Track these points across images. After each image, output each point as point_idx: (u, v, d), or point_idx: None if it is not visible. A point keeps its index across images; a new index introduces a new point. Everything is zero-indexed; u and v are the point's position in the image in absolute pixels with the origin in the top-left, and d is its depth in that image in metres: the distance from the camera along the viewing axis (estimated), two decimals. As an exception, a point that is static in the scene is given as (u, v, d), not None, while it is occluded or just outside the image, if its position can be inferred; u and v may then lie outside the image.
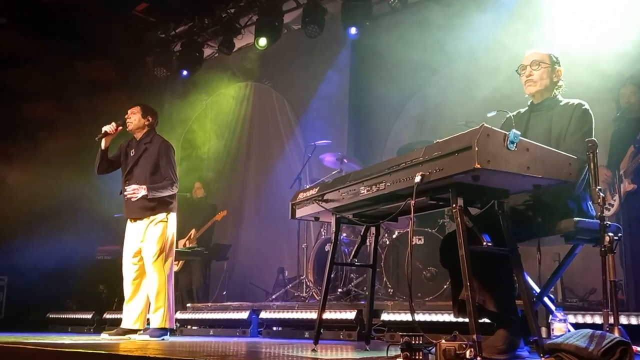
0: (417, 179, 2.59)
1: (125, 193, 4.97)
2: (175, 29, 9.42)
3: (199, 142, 9.68)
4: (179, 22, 9.36)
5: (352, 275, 6.30)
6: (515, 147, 2.48)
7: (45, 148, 8.75)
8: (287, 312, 5.46)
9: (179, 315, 6.29)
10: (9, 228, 8.23)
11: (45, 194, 7.93)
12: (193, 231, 7.60)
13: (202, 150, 9.62)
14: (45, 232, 8.01)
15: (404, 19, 7.63)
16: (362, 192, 3.00)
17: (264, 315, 5.66)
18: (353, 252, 3.68)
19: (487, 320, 3.16)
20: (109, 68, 9.47)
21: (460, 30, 6.59)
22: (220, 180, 9.65)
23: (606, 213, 2.77)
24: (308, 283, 6.64)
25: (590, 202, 3.11)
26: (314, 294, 6.49)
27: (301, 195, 3.63)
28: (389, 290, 5.85)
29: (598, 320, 3.65)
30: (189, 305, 6.75)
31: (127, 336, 4.95)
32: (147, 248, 5.01)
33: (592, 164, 2.77)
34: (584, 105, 3.20)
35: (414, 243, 5.73)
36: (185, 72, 9.49)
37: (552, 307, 3.23)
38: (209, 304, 6.68)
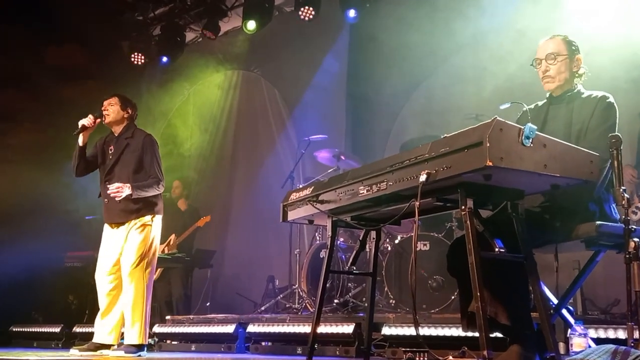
0: (422, 178, 2.59)
1: (109, 192, 4.88)
2: (154, 10, 9.41)
3: (180, 137, 9.68)
4: (158, 3, 9.35)
5: (350, 284, 6.30)
6: (531, 142, 2.48)
7: (5, 143, 8.71)
8: (278, 325, 5.46)
9: (157, 329, 6.28)
10: (-37, 232, 8.21)
11: (5, 194, 7.91)
12: (173, 236, 7.59)
13: (184, 147, 9.61)
14: (6, 237, 7.97)
15: (408, 0, 7.64)
16: (361, 192, 3.00)
17: (251, 328, 5.66)
18: (351, 259, 3.68)
19: (499, 335, 3.16)
20: (79, 53, 9.44)
21: (470, 12, 6.60)
22: (203, 180, 9.64)
23: (632, 217, 2.79)
24: (301, 293, 6.64)
25: (613, 205, 3.12)
26: (307, 305, 6.49)
27: (293, 196, 3.63)
28: (391, 301, 5.85)
29: (622, 334, 3.66)
30: (168, 317, 6.73)
31: (99, 352, 4.94)
32: (126, 254, 4.96)
33: (615, 162, 2.78)
34: (608, 98, 3.21)
35: (418, 249, 5.74)
36: (165, 59, 9.48)
37: (571, 320, 3.24)
38: (191, 317, 6.66)
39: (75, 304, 8.03)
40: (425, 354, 4.45)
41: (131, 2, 9.43)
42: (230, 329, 5.76)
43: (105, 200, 5.10)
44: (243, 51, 9.36)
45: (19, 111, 9.20)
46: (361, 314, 5.65)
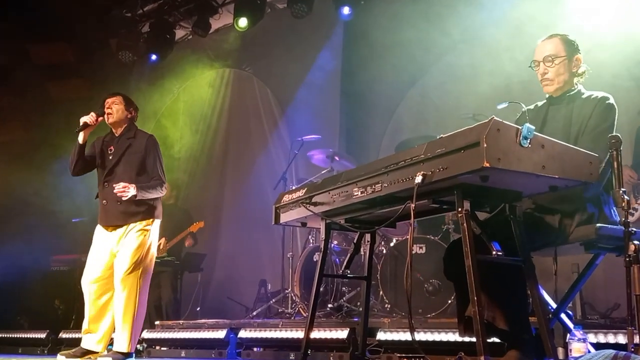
0: (418, 179, 2.59)
1: (115, 191, 4.83)
2: (143, 7, 9.38)
3: (171, 139, 9.65)
4: (147, -1, 9.34)
5: (344, 288, 6.30)
6: (529, 143, 2.49)
7: (-9, 142, 8.71)
8: (270, 330, 5.45)
9: (146, 335, 6.25)
10: (-54, 234, 8.18)
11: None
12: (163, 240, 7.55)
13: (174, 150, 9.58)
14: (-10, 239, 7.96)
15: (404, -3, 7.65)
16: (356, 194, 3.00)
17: (243, 334, 5.64)
18: (345, 263, 3.68)
19: (496, 340, 3.17)
20: (66, 51, 9.42)
21: (466, 9, 6.61)
22: (193, 182, 9.62)
23: (629, 218, 2.79)
24: (294, 297, 6.64)
25: (613, 207, 3.13)
26: (300, 309, 6.49)
27: (286, 198, 3.63)
28: (386, 305, 5.85)
29: (622, 339, 3.67)
30: (157, 323, 6.72)
31: (86, 357, 4.91)
32: (121, 259, 4.91)
33: (615, 163, 2.79)
34: (608, 99, 3.22)
35: (414, 252, 5.74)
36: (154, 57, 9.46)
37: (570, 325, 3.25)
38: (181, 322, 6.65)
39: (62, 309, 7.99)
40: (421, 359, 4.45)
41: (120, -2, 9.42)
42: (221, 334, 5.75)
43: (104, 201, 5.06)
44: (234, 49, 9.35)
45: (5, 108, 9.19)
46: (356, 319, 5.64)
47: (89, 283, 4.99)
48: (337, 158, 6.83)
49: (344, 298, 6.22)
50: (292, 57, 8.71)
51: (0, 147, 8.55)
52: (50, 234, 8.38)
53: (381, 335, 4.77)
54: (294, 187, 5.30)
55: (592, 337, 3.70)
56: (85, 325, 5.01)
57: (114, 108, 5.15)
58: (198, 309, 7.98)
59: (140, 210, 4.98)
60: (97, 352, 4.96)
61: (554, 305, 3.27)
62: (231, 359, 5.65)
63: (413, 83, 7.88)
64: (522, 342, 2.99)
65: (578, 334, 3.06)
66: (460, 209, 2.62)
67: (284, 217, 3.65)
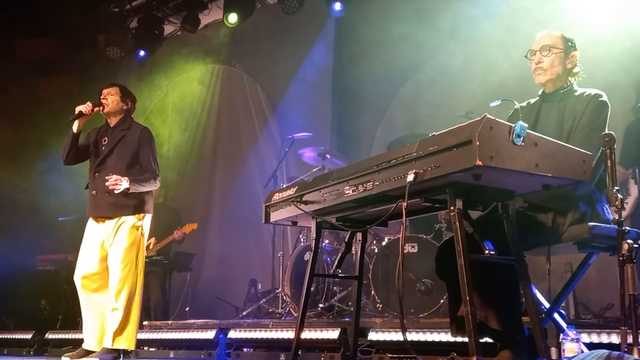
0: (410, 177, 2.59)
1: (107, 183, 4.80)
2: (131, 2, 9.34)
3: (160, 138, 9.62)
4: (135, -6, 9.30)
5: (335, 288, 6.30)
6: (522, 141, 2.50)
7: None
8: (260, 331, 5.45)
9: (134, 335, 6.24)
10: None
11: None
12: (152, 240, 7.53)
13: (163, 149, 9.55)
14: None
15: (395, -7, 7.65)
16: (347, 192, 3.00)
17: (233, 334, 5.64)
18: (336, 262, 3.69)
19: (489, 340, 3.18)
20: (52, 47, 9.38)
21: (459, 5, 6.63)
22: (182, 180, 9.60)
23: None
24: (284, 297, 6.64)
25: (606, 205, 3.15)
26: (291, 309, 6.49)
27: (276, 196, 3.63)
28: (378, 305, 5.86)
29: (615, 339, 3.68)
30: (145, 323, 6.70)
31: (89, 357, 4.89)
32: (116, 256, 4.89)
33: (609, 162, 2.80)
34: (601, 96, 3.24)
35: (406, 251, 5.75)
36: (142, 53, 9.43)
37: (564, 325, 3.27)
38: (169, 322, 6.64)
39: (48, 310, 7.96)
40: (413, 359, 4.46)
41: (107, -7, 9.38)
42: (210, 334, 5.74)
43: (93, 192, 5.03)
44: (224, 45, 9.33)
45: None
46: (347, 319, 5.65)
47: (81, 277, 4.95)
48: (328, 156, 6.83)
49: (335, 298, 6.22)
50: (282, 53, 8.70)
51: (-16, 146, 8.52)
52: (36, 233, 8.35)
53: (373, 336, 4.78)
54: (284, 186, 5.29)
55: (585, 337, 3.71)
56: (86, 321, 4.97)
57: (109, 98, 5.16)
58: (187, 309, 7.96)
59: (130, 203, 4.95)
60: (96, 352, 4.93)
61: (547, 305, 3.29)
62: (221, 359, 5.64)
63: (405, 80, 7.88)
64: (515, 342, 3.01)
65: (571, 333, 3.07)
66: (452, 208, 2.63)
67: (275, 216, 3.65)
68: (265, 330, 5.40)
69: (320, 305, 6.15)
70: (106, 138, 5.15)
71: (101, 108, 5.13)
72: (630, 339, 2.68)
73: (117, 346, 4.81)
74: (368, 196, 2.90)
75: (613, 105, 3.23)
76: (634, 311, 2.70)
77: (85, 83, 9.09)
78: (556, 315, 3.29)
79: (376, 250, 6.07)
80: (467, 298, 2.55)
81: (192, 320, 6.64)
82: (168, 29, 9.65)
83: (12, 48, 9.21)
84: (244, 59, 9.44)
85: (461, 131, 2.50)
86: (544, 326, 3.14)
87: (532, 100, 3.52)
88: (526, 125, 2.50)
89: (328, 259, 6.33)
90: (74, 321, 6.97)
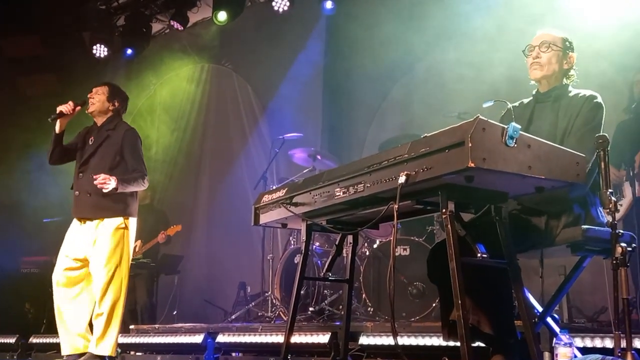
0: (402, 179, 2.59)
1: (95, 182, 4.74)
2: (118, -1, 9.34)
3: (148, 140, 9.59)
4: (122, -10, 9.28)
5: (325, 291, 6.31)
6: (515, 143, 2.50)
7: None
8: (249, 334, 5.44)
9: (120, 339, 6.20)
10: None
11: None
12: (139, 242, 7.50)
13: (151, 151, 9.54)
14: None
15: (387, -8, 7.67)
16: (338, 194, 3.00)
17: (221, 338, 5.63)
18: (327, 265, 3.69)
19: (481, 345, 3.18)
20: (37, 45, 9.34)
21: (451, 4, 6.64)
22: (170, 181, 9.58)
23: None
24: (274, 301, 6.63)
25: (600, 207, 3.16)
26: (280, 313, 6.48)
27: (266, 198, 3.62)
28: (369, 309, 5.87)
29: (609, 343, 3.70)
30: (132, 327, 6.68)
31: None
32: (100, 261, 4.83)
33: (602, 164, 2.81)
34: (596, 98, 3.26)
35: (398, 254, 5.76)
36: (129, 51, 9.39)
37: (557, 329, 3.28)
38: (156, 326, 6.62)
39: (32, 313, 7.93)
40: (405, 364, 4.46)
41: (93, -10, 9.35)
42: (198, 339, 5.72)
43: (77, 192, 5.01)
44: (213, 44, 9.33)
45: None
46: (337, 323, 5.65)
47: (61, 277, 4.90)
48: (319, 157, 6.83)
49: (326, 301, 6.22)
50: (273, 52, 8.70)
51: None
52: (20, 234, 8.31)
53: (364, 340, 4.78)
54: (274, 187, 5.29)
55: (578, 342, 3.73)
56: (64, 325, 4.91)
57: (95, 98, 5.14)
58: (174, 312, 7.94)
59: (113, 205, 4.91)
60: (82, 354, 4.90)
61: (540, 309, 3.29)
62: (209, 364, 5.64)
63: (397, 80, 7.90)
64: (508, 347, 3.01)
65: (564, 338, 3.08)
66: (444, 210, 2.63)
67: (264, 218, 3.64)
68: (255, 335, 5.39)
69: (311, 308, 6.15)
70: (92, 138, 5.14)
71: (86, 107, 5.11)
72: (623, 343, 2.69)
73: (99, 352, 4.79)
74: (359, 198, 2.90)
75: (606, 105, 3.25)
76: (627, 315, 2.71)
77: (71, 82, 9.06)
78: (549, 319, 3.30)
79: (367, 253, 6.07)
80: (459, 302, 2.55)
81: (180, 324, 6.63)
82: (156, 27, 9.62)
83: (-4, 46, 9.19)
84: (234, 58, 9.43)
85: (453, 132, 2.51)
86: (536, 330, 3.15)
87: (526, 100, 3.53)
88: (519, 126, 2.51)
89: (318, 261, 6.33)
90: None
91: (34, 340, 6.95)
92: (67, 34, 9.48)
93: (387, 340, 4.66)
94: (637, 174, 5.16)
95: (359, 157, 5.18)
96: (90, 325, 4.94)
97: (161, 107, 9.94)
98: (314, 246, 6.48)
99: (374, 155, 2.96)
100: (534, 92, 3.51)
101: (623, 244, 2.72)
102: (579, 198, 3.10)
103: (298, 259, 6.39)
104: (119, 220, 4.93)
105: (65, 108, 5.01)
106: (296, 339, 4.91)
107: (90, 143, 5.12)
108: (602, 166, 2.81)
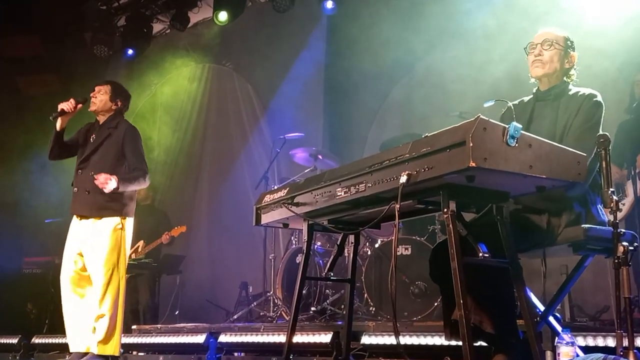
0: (403, 179, 2.60)
1: (96, 182, 4.76)
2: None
3: (150, 142, 9.59)
4: (123, -9, 9.27)
5: (327, 291, 6.31)
6: (516, 142, 2.50)
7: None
8: (251, 334, 5.44)
9: (122, 339, 6.20)
10: None
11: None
12: (141, 243, 7.51)
13: (154, 153, 9.54)
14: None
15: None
16: (339, 194, 3.00)
17: (223, 338, 5.63)
18: (328, 265, 3.69)
19: (483, 344, 3.19)
20: (37, 45, 9.33)
21: (453, 3, 6.64)
22: (171, 181, 9.58)
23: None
24: (276, 300, 6.64)
25: (599, 206, 3.16)
26: (282, 313, 6.49)
27: (267, 198, 3.63)
28: (371, 308, 5.87)
29: (611, 342, 3.71)
30: (134, 327, 6.68)
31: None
32: (98, 261, 4.85)
33: (604, 163, 2.82)
34: (595, 96, 3.26)
35: (399, 253, 5.76)
36: (130, 52, 9.40)
37: (559, 328, 3.28)
38: (158, 326, 6.62)
39: (34, 314, 7.94)
40: (407, 364, 4.47)
41: (94, -10, 9.35)
42: (200, 339, 5.73)
43: (75, 189, 5.03)
44: (214, 44, 9.33)
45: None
46: (339, 322, 5.66)
47: (64, 275, 4.95)
48: (320, 157, 6.83)
49: (328, 301, 6.22)
50: (274, 53, 8.70)
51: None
52: (22, 235, 8.32)
53: (365, 339, 4.78)
54: (275, 187, 5.30)
55: (580, 341, 3.73)
56: (72, 323, 4.94)
57: (98, 97, 5.17)
58: (177, 312, 7.94)
59: (110, 204, 4.92)
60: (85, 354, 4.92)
61: (542, 308, 3.30)
62: (211, 364, 5.64)
63: (398, 80, 7.90)
64: (510, 346, 3.02)
65: (566, 337, 3.09)
66: (446, 210, 2.63)
67: (265, 218, 3.64)
68: (257, 334, 5.39)
69: (313, 308, 6.15)
70: (94, 135, 5.16)
71: (88, 105, 5.13)
72: (626, 342, 2.69)
73: (102, 352, 4.80)
74: (360, 198, 2.90)
75: (607, 105, 3.25)
76: (629, 314, 2.71)
77: (71, 82, 9.07)
78: (551, 319, 3.30)
79: (369, 253, 6.07)
80: (461, 301, 2.55)
81: (182, 324, 6.63)
82: (157, 27, 9.62)
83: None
84: (235, 58, 9.43)
85: (455, 132, 2.51)
86: (538, 329, 3.16)
87: (526, 99, 3.54)
88: (520, 126, 2.51)
89: (320, 261, 6.34)
90: (61, 325, 6.91)
91: (36, 340, 6.96)
92: (67, 34, 9.49)
93: (389, 340, 4.66)
94: (639, 174, 5.16)
95: (360, 156, 5.17)
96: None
97: (162, 107, 9.94)
98: (316, 246, 6.49)
99: (376, 155, 2.96)
100: (534, 91, 3.51)
101: (625, 243, 2.73)
102: (579, 196, 3.11)
103: (300, 258, 6.39)
104: (116, 220, 4.95)
105: (66, 106, 5.02)
106: (298, 338, 4.92)
107: (92, 140, 5.14)
108: (604, 165, 2.82)
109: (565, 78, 3.43)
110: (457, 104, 6.19)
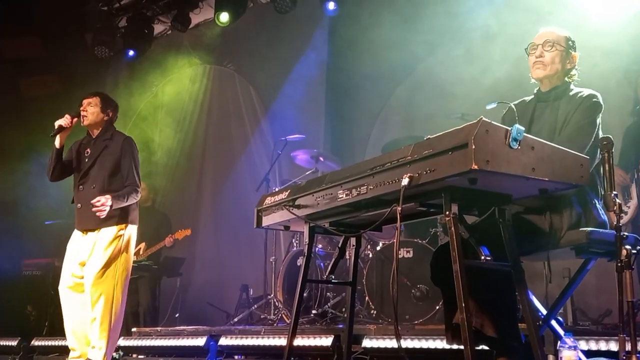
0: (405, 181, 2.59)
1: (94, 209, 4.80)
2: (120, 0, 9.33)
3: (151, 144, 9.60)
4: (124, -8, 9.28)
5: (328, 294, 6.30)
6: (519, 145, 2.50)
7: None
8: (252, 337, 5.45)
9: (122, 342, 6.22)
10: None
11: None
12: (143, 245, 7.51)
13: (156, 156, 9.54)
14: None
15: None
16: (340, 196, 3.00)
17: (224, 341, 5.64)
18: (330, 267, 3.69)
19: (485, 348, 3.18)
20: (38, 46, 9.35)
21: (455, 5, 6.64)
22: (172, 183, 9.58)
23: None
24: (277, 303, 6.63)
25: (599, 206, 3.16)
26: (283, 316, 6.48)
27: (268, 200, 3.63)
28: (372, 311, 5.86)
29: (614, 347, 3.70)
30: (134, 329, 6.68)
31: None
32: (91, 266, 4.86)
33: (607, 166, 2.82)
34: (595, 97, 3.27)
35: (400, 256, 5.75)
36: (131, 53, 9.39)
37: (561, 332, 3.28)
38: (159, 329, 6.62)
39: (34, 316, 7.93)
40: (408, 367, 4.46)
41: (95, -9, 9.36)
42: (200, 341, 5.73)
43: (79, 205, 5.05)
44: (215, 45, 9.32)
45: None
46: (340, 326, 5.65)
47: (65, 288, 4.98)
48: (321, 159, 6.83)
49: (329, 304, 6.22)
50: (275, 54, 8.70)
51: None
52: (22, 236, 8.32)
53: (367, 343, 4.78)
54: (276, 189, 5.29)
55: (583, 345, 3.73)
56: (72, 331, 4.96)
57: (89, 110, 5.15)
58: (177, 315, 7.94)
59: (115, 214, 4.94)
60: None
61: (544, 312, 3.29)
62: (211, 367, 5.64)
63: (400, 81, 7.89)
64: (512, 350, 3.01)
65: (569, 341, 3.08)
66: (448, 212, 2.63)
67: (266, 220, 3.64)
68: (257, 337, 5.40)
69: (313, 311, 6.15)
70: (89, 150, 5.17)
71: (82, 120, 5.13)
72: (628, 347, 2.69)
73: (92, 357, 4.80)
74: (362, 200, 2.90)
75: (612, 107, 3.25)
76: (632, 318, 2.71)
77: (72, 83, 9.08)
78: (553, 322, 3.30)
79: (370, 255, 6.07)
80: (463, 305, 2.55)
81: (182, 327, 6.62)
82: (158, 28, 9.63)
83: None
84: (236, 59, 9.43)
85: (457, 134, 2.51)
86: (541, 333, 3.15)
87: (527, 99, 3.54)
88: (523, 128, 2.51)
89: (321, 264, 6.33)
90: (61, 327, 6.91)
91: (35, 342, 6.97)
92: (68, 35, 9.50)
93: (390, 343, 4.66)
94: (644, 177, 5.16)
95: (361, 158, 5.19)
96: None
97: (163, 109, 9.94)
98: (317, 248, 6.48)
99: (377, 157, 2.96)
100: (535, 91, 3.51)
101: (628, 247, 2.73)
102: (579, 197, 3.11)
103: (301, 261, 6.39)
104: (118, 228, 4.98)
105: (64, 122, 5.03)
106: (299, 341, 4.92)
107: (87, 154, 5.15)
108: (607, 168, 2.82)
109: (566, 78, 3.43)
110: (459, 105, 6.19)
